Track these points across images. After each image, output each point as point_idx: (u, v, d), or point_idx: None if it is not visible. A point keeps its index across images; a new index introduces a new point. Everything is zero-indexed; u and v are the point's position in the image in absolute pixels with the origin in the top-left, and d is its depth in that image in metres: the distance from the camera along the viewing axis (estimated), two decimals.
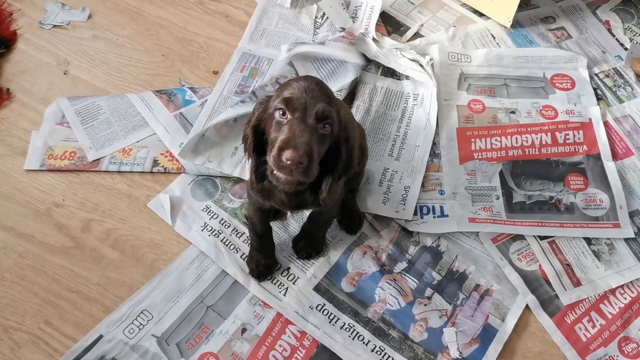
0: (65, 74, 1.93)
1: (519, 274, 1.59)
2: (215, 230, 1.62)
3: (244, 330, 1.49)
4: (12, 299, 1.51)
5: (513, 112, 1.89)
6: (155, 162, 1.75)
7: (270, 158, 1.16)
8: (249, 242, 1.58)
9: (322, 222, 1.55)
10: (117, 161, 1.75)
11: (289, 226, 1.65)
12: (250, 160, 1.28)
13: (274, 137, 1.17)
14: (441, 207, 1.69)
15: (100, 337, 1.46)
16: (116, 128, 1.80)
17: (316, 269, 1.58)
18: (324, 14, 2.09)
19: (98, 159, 1.75)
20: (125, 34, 2.04)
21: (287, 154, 1.12)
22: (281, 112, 1.17)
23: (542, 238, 1.66)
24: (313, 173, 1.16)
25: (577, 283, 1.59)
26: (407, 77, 1.95)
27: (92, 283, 1.54)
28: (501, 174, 1.76)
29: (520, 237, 1.66)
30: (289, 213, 1.58)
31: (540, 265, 1.61)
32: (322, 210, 1.47)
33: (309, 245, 1.59)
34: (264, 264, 1.54)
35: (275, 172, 1.16)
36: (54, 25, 2.04)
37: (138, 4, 2.11)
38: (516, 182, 1.75)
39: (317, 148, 1.16)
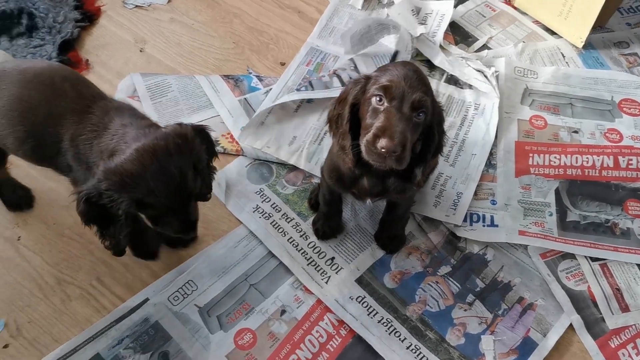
0: (141, 51, 2.02)
1: (566, 292, 1.56)
2: (266, 213, 1.66)
3: (283, 312, 1.51)
4: (69, 254, 1.59)
5: (576, 132, 1.87)
6: (216, 142, 1.81)
7: (363, 142, 1.19)
8: (300, 226, 1.62)
9: (401, 213, 1.57)
10: None
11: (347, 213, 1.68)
12: (341, 140, 1.28)
13: (369, 123, 1.20)
14: (492, 217, 1.68)
15: (147, 300, 1.52)
16: (182, 106, 1.88)
17: (360, 261, 1.60)
18: None
19: None
20: (201, 19, 2.12)
21: (382, 142, 1.15)
22: (378, 99, 1.20)
23: (594, 260, 1.62)
24: (406, 161, 1.20)
25: (625, 308, 1.55)
26: (470, 87, 1.95)
27: None
28: (557, 191, 1.74)
29: (570, 256, 1.63)
30: (368, 201, 1.58)
31: (589, 287, 1.58)
32: (400, 202, 1.50)
33: (394, 239, 1.61)
34: (329, 225, 1.60)
35: (364, 156, 1.20)
36: (136, 6, 2.14)
37: None
38: (572, 201, 1.72)
39: (410, 136, 1.19)
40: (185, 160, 1.19)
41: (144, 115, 1.32)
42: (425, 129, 1.24)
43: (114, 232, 1.20)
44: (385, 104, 1.19)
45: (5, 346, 1.45)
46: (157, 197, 1.17)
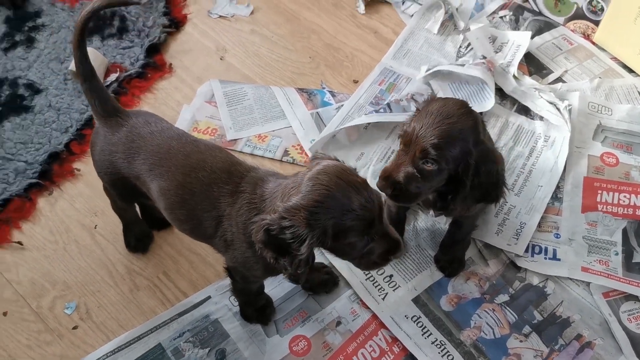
0: (221, 59, 2.11)
1: (627, 334, 1.53)
2: None
3: (338, 323, 1.55)
4: None
5: None
6: (286, 152, 1.87)
7: None
8: None
9: (462, 235, 1.59)
10: (251, 145, 1.88)
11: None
12: None
13: None
14: (554, 250, 1.67)
15: (209, 297, 1.58)
16: (256, 115, 1.95)
17: (418, 281, 1.61)
18: (468, 44, 2.13)
19: (235, 140, 1.89)
20: (280, 32, 2.20)
21: (376, 181, 1.35)
22: (398, 139, 1.35)
23: None
24: (409, 199, 1.36)
25: None
26: (541, 118, 1.94)
27: (210, 250, 1.66)
28: (624, 230, 1.71)
29: (634, 298, 1.59)
30: (431, 212, 1.57)
31: None
32: (462, 220, 1.54)
33: (453, 262, 1.63)
34: None
35: None
36: (220, 16, 2.24)
37: (296, 8, 2.27)
38: None
39: (413, 180, 1.31)
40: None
41: (286, 175, 1.28)
42: (454, 175, 1.32)
43: (291, 265, 1.12)
44: (399, 146, 1.35)
45: (75, 327, 1.54)
46: (354, 211, 1.10)
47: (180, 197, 1.29)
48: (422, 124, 1.29)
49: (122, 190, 1.44)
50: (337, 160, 1.20)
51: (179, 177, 1.29)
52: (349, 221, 1.11)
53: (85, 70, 1.37)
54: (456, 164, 1.30)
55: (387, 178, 1.33)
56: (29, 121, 1.90)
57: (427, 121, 1.29)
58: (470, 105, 1.35)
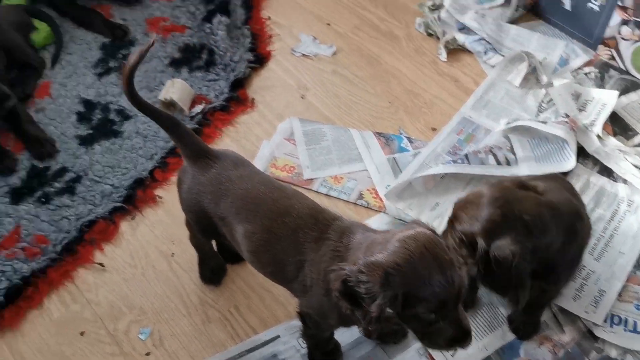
0: (302, 97, 2.16)
1: None
2: None
3: None
4: None
5: None
6: (360, 196, 1.88)
7: None
8: None
9: (543, 300, 1.55)
10: (327, 185, 1.91)
11: None
12: None
13: None
14: (635, 322, 1.60)
15: (278, 337, 1.59)
16: (334, 156, 1.97)
17: (489, 341, 1.58)
18: (550, 100, 2.11)
19: (312, 179, 1.92)
20: (361, 75, 2.23)
21: None
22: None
23: None
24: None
25: None
26: (625, 181, 1.89)
27: (282, 289, 1.68)
28: None
29: None
30: None
31: None
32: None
33: (528, 324, 1.60)
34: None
35: None
36: (303, 54, 2.30)
37: (378, 51, 2.30)
38: None
39: None
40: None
41: (375, 230, 1.28)
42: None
43: (364, 319, 1.11)
44: None
45: (147, 354, 1.58)
46: (430, 286, 1.08)
47: (265, 240, 1.32)
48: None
49: (205, 227, 1.48)
50: (434, 232, 1.18)
51: (265, 222, 1.32)
52: (421, 293, 1.09)
53: (164, 123, 1.40)
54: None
55: None
56: (117, 146, 1.98)
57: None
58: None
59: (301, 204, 1.34)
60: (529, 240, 1.31)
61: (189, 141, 1.40)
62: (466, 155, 1.89)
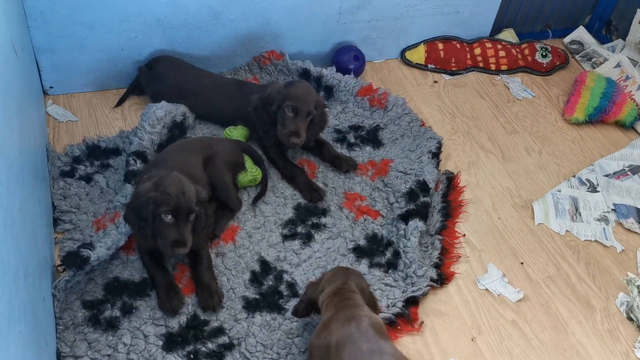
0: (472, 340, 2.01)
1: None
2: None
3: None
4: None
5: None
6: None
7: None
8: None
9: None
10: None
11: None
12: None
13: None
14: None
15: None
16: None
17: None
18: None
19: None
20: (542, 338, 2.03)
21: None
22: None
23: None
24: None
25: None
26: None
27: None
28: None
29: None
30: None
31: None
32: None
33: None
34: None
35: None
36: (487, 289, 2.15)
37: (567, 316, 2.10)
38: None
39: None
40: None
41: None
42: None
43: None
44: None
45: None
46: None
47: None
48: None
49: None
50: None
51: None
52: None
53: None
54: None
55: None
56: (277, 323, 1.92)
57: None
58: None
59: None
60: None
61: None
62: None
